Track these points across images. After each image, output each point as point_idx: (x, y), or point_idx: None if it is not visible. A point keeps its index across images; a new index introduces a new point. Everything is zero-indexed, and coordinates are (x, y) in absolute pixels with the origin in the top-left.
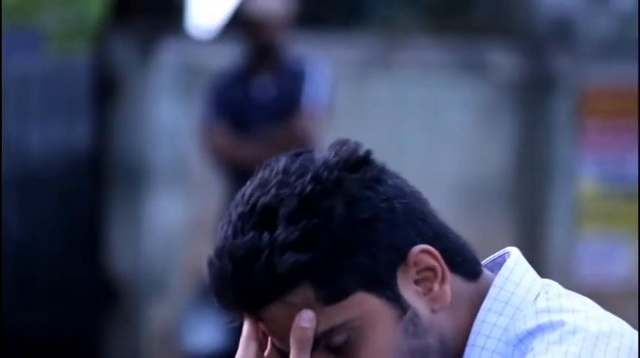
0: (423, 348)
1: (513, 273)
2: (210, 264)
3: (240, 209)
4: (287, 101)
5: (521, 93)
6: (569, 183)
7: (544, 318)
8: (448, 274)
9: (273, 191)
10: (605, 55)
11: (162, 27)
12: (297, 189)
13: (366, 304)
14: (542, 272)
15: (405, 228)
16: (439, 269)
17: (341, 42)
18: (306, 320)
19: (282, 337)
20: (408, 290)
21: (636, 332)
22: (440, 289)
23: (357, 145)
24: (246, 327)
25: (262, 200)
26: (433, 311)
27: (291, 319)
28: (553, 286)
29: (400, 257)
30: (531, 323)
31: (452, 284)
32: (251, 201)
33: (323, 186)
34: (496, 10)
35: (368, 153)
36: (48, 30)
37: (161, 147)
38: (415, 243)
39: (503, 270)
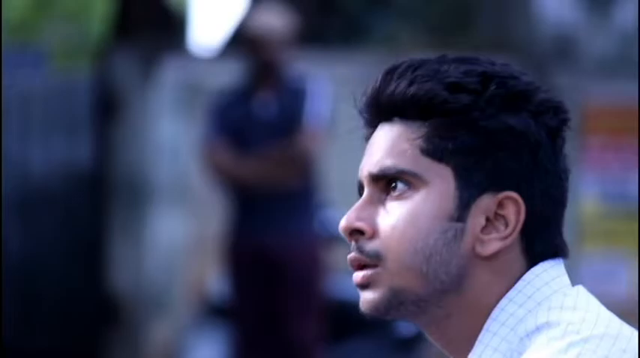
0: (443, 259)
1: (546, 273)
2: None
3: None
4: (288, 119)
5: None
6: (571, 201)
7: (554, 315)
8: (512, 241)
9: (487, 58)
10: (606, 73)
11: (164, 45)
12: (496, 68)
13: (445, 180)
14: None
15: (529, 174)
16: (509, 230)
17: (342, 59)
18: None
19: (375, 157)
20: (477, 214)
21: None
22: (491, 241)
23: (566, 109)
24: None
25: (469, 56)
26: (473, 249)
27: (393, 145)
28: (577, 288)
29: (499, 184)
30: (542, 319)
31: (514, 256)
32: (464, 55)
33: (515, 84)
34: (497, 28)
35: (567, 118)
36: (50, 48)
37: (162, 164)
38: (520, 192)
39: (537, 268)
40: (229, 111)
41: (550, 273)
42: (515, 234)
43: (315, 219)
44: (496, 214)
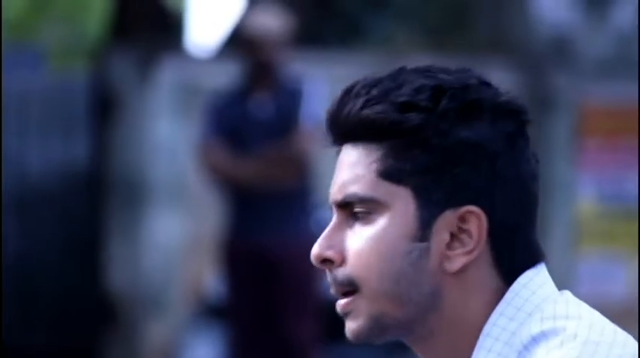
0: (412, 280)
1: (532, 282)
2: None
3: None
4: (285, 119)
5: None
6: (568, 202)
7: (548, 324)
8: (477, 253)
9: (437, 69)
10: (603, 74)
11: (161, 45)
12: (450, 79)
13: (405, 202)
14: None
15: (488, 185)
16: (473, 244)
17: (340, 60)
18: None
19: (338, 182)
20: (440, 231)
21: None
22: (457, 257)
23: (524, 110)
24: None
25: (424, 67)
26: (441, 266)
27: (352, 170)
28: (565, 294)
29: (459, 200)
30: (536, 330)
31: (484, 268)
32: (420, 66)
33: (468, 95)
34: (494, 29)
35: (525, 120)
36: (48, 48)
37: (159, 164)
38: (479, 205)
39: (522, 278)
40: (226, 111)
41: (536, 282)
42: (480, 247)
43: (311, 218)
44: (460, 229)
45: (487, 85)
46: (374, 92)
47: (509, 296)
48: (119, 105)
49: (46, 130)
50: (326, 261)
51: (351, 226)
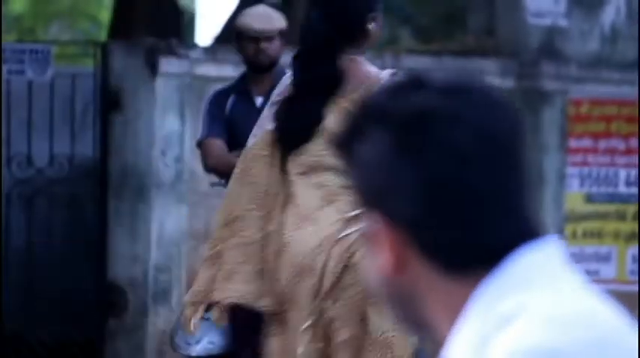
0: (388, 291)
1: (525, 259)
2: None
3: None
4: None
5: None
6: (559, 199)
7: (528, 298)
8: (392, 255)
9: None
10: (594, 70)
11: (167, 40)
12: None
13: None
14: None
15: (378, 193)
16: (385, 248)
17: None
18: None
19: None
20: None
21: (623, 326)
22: (385, 261)
23: (425, 110)
24: None
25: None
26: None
27: None
28: (561, 274)
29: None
30: (512, 304)
31: (420, 269)
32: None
33: (364, 110)
34: (486, 29)
35: (426, 120)
36: (54, 42)
37: (164, 158)
38: (387, 213)
39: (518, 254)
40: (228, 105)
41: (529, 259)
42: (390, 249)
43: None
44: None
45: (407, 88)
46: None
47: (497, 273)
48: (124, 101)
49: (53, 125)
50: None
51: None
